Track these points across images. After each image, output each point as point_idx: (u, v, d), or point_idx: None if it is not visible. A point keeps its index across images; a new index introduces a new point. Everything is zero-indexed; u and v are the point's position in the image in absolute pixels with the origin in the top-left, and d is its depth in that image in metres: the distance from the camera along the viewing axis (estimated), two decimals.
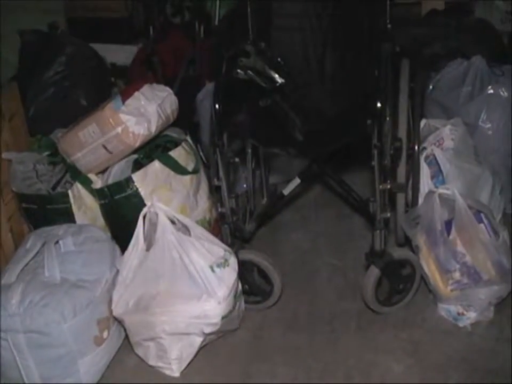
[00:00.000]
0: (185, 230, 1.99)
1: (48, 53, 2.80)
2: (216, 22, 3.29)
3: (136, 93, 2.17)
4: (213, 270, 1.88)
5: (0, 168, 2.12)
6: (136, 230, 1.96)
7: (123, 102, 2.13)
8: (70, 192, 2.17)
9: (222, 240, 2.08)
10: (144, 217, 1.97)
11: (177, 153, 2.20)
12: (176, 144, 2.25)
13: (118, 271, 1.96)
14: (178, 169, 2.18)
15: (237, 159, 2.19)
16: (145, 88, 2.21)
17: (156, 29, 3.15)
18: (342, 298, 2.18)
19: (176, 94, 2.31)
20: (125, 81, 3.03)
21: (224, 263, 1.92)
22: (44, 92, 2.76)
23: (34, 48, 2.84)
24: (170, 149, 2.21)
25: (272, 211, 2.49)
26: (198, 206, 2.24)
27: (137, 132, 2.11)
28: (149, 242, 1.96)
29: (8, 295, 1.79)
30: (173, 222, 1.96)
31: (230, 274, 1.93)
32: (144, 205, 2.06)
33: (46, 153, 2.33)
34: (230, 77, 1.99)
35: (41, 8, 3.31)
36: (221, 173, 2.10)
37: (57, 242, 1.97)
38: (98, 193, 2.14)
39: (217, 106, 2.05)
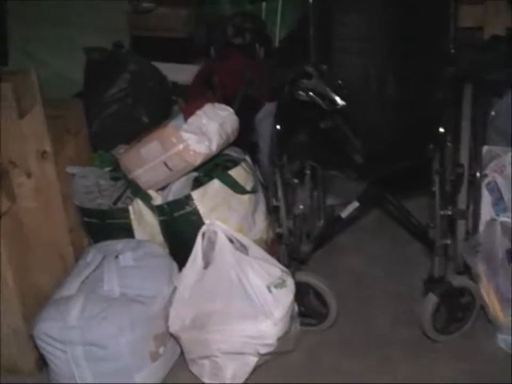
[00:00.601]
0: (243, 249, 2.00)
1: (113, 71, 2.86)
2: (276, 44, 3.33)
3: (198, 112, 2.19)
4: (270, 291, 1.89)
5: (64, 182, 2.16)
6: (195, 247, 1.98)
7: (185, 120, 2.16)
8: (130, 207, 2.19)
9: (278, 260, 2.08)
10: (202, 235, 1.99)
11: (237, 173, 2.21)
12: (235, 163, 2.26)
13: (175, 288, 1.97)
14: (237, 188, 2.19)
15: (296, 180, 2.20)
16: (207, 107, 2.23)
17: (217, 49, 3.19)
18: (397, 325, 2.15)
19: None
20: (185, 100, 3.06)
21: (281, 284, 1.92)
22: (107, 108, 2.81)
23: (99, 66, 2.90)
24: (229, 168, 2.23)
25: (329, 233, 2.48)
26: (255, 225, 2.24)
27: (198, 150, 2.12)
28: (207, 260, 1.98)
29: (68, 306, 1.82)
30: (231, 241, 1.97)
31: (287, 295, 1.92)
32: (203, 222, 2.08)
33: (108, 168, 2.38)
34: (291, 98, 2.00)
35: (106, 26, 3.37)
36: (280, 194, 2.11)
37: (116, 256, 2.00)
38: (158, 210, 2.16)
39: (278, 127, 2.07)
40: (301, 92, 1.97)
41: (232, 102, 2.70)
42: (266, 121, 2.66)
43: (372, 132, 2.11)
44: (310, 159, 2.19)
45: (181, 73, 3.21)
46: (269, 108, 2.71)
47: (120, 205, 2.27)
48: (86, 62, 2.93)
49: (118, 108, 2.83)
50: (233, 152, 2.35)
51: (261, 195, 2.33)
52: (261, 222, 2.28)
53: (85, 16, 3.45)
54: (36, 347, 1.92)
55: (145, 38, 3.45)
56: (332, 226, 2.44)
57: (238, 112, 2.34)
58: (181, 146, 2.11)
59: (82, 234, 2.30)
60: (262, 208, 2.31)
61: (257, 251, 2.00)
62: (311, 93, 1.96)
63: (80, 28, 3.45)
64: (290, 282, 1.96)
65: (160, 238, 2.21)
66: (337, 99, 1.94)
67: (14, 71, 1.96)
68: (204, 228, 2.00)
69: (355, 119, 2.02)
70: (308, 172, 2.30)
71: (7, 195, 1.88)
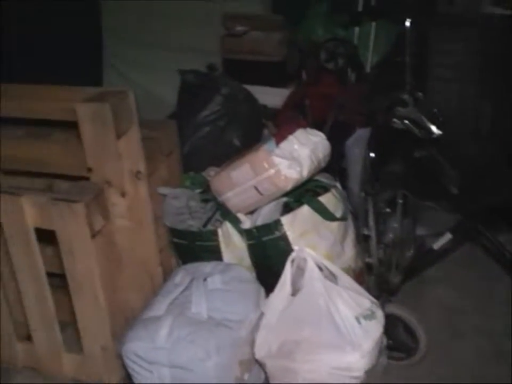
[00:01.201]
0: (332, 277, 1.97)
1: (205, 93, 2.88)
2: (368, 69, 3.30)
3: (290, 137, 2.18)
4: (359, 322, 1.85)
5: (155, 202, 2.18)
6: (284, 273, 1.96)
7: (277, 144, 2.16)
8: (219, 230, 2.20)
9: (368, 291, 2.04)
10: (292, 262, 1.97)
11: (327, 199, 2.18)
12: (326, 189, 2.23)
13: (262, 314, 1.96)
14: (327, 215, 2.15)
15: (388, 209, 2.15)
16: (299, 132, 2.21)
17: (309, 74, 3.19)
18: (487, 364, 2.09)
19: None
20: (275, 124, 3.07)
21: (370, 316, 1.88)
22: (200, 130, 2.83)
23: (192, 88, 2.93)
24: (319, 194, 2.19)
25: (420, 265, 2.42)
26: (344, 253, 2.19)
27: (290, 175, 2.11)
28: (295, 287, 1.96)
29: (157, 327, 1.83)
30: (320, 269, 1.95)
31: (376, 327, 1.88)
32: (291, 248, 2.05)
33: (198, 190, 2.39)
34: (386, 125, 1.97)
35: (199, 49, 3.43)
36: (371, 222, 2.07)
37: (205, 279, 2.00)
38: (246, 234, 2.15)
39: (372, 154, 2.04)
40: (396, 120, 1.94)
41: (323, 126, 2.68)
42: (356, 147, 2.62)
43: (469, 162, 2.06)
44: (403, 188, 2.15)
45: (271, 96, 3.22)
46: (359, 134, 2.68)
47: (209, 227, 2.28)
48: (180, 83, 2.97)
49: (210, 130, 2.85)
50: (324, 178, 2.32)
51: (350, 223, 2.28)
52: (349, 250, 2.23)
53: (179, 38, 3.53)
54: (123, 365, 1.94)
55: (237, 61, 3.48)
56: (423, 258, 2.37)
57: (328, 138, 2.32)
58: (272, 171, 2.11)
59: (171, 255, 2.31)
60: (351, 236, 2.26)
61: (347, 280, 1.97)
62: (406, 121, 1.93)
63: (174, 50, 3.53)
64: (379, 314, 1.92)
65: (247, 261, 2.20)
66: (433, 128, 1.91)
67: (113, 91, 2.00)
68: (293, 255, 1.98)
69: (451, 148, 1.98)
70: (400, 201, 2.26)
71: (101, 214, 1.91)
